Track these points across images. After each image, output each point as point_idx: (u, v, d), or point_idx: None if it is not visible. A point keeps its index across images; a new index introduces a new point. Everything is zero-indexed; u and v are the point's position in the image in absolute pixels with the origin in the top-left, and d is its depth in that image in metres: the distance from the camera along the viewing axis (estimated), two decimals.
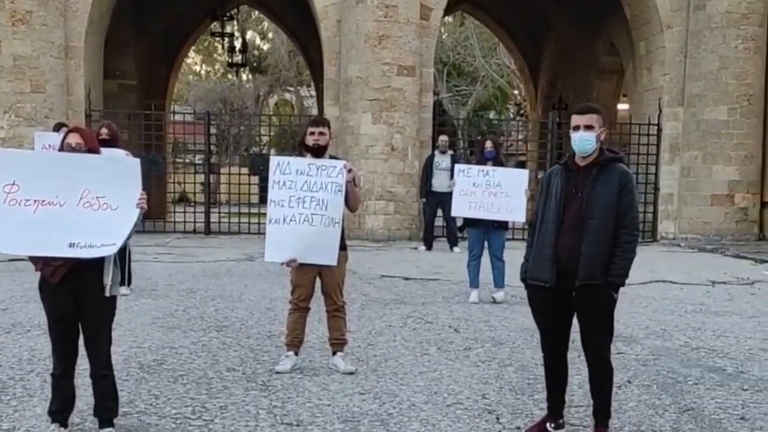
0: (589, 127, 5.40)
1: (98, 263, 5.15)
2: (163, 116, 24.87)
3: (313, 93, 50.06)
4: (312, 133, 7.24)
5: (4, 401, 6.21)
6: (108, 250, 5.07)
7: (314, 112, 39.14)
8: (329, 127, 7.44)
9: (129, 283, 10.86)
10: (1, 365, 7.26)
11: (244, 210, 22.53)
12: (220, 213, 22.96)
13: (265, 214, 7.36)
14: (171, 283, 12.16)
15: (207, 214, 21.08)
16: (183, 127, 26.96)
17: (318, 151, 7.25)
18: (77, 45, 19.05)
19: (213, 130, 25.84)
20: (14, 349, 7.85)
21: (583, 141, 5.40)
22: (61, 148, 5.35)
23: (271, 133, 25.34)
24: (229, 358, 7.73)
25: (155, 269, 13.59)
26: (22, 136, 18.02)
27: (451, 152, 17.79)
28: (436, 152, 17.69)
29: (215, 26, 30.04)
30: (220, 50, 54.50)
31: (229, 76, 54.52)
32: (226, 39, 30.70)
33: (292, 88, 52.29)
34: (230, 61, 32.68)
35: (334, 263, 7.22)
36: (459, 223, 15.34)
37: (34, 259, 5.24)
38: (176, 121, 27.35)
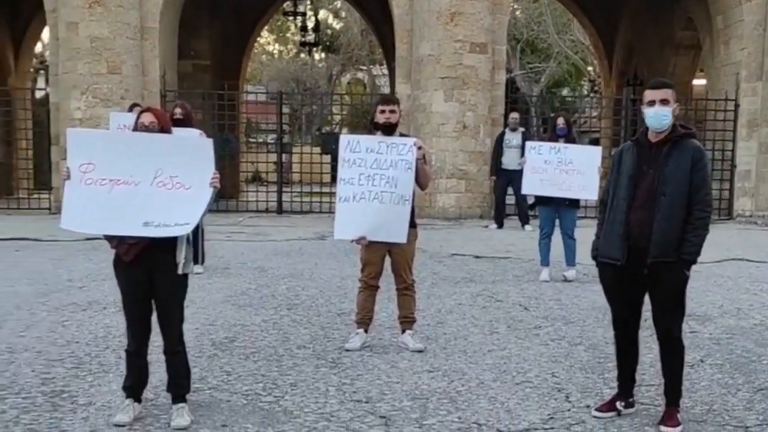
0: (664, 102, 5.33)
1: (171, 242, 5.22)
2: (236, 96, 25.07)
3: (386, 71, 50.05)
4: (383, 111, 7.25)
5: (81, 377, 6.36)
6: (182, 229, 5.13)
7: (386, 90, 39.05)
8: (399, 105, 7.45)
9: (202, 262, 10.99)
10: (78, 342, 7.43)
11: (316, 189, 22.66)
12: (292, 192, 23.13)
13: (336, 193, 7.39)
14: (243, 262, 12.29)
15: (279, 193, 21.22)
16: (256, 106, 27.13)
17: (389, 129, 7.26)
18: (152, 26, 19.27)
19: (285, 110, 25.93)
20: (90, 326, 8.02)
21: (659, 116, 5.33)
22: (135, 128, 5.43)
23: (344, 112, 25.37)
24: (299, 335, 7.80)
25: (228, 248, 13.75)
26: (99, 116, 18.34)
27: (522, 130, 17.67)
28: (507, 130, 17.59)
29: (288, 5, 30.05)
30: (293, 29, 54.92)
31: (302, 55, 54.69)
32: (299, 18, 30.67)
33: (364, 67, 52.33)
34: (303, 40, 32.69)
35: (404, 241, 7.23)
36: (530, 201, 15.24)
37: (109, 238, 5.33)
38: (249, 101, 27.53)
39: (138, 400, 5.48)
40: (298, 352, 7.21)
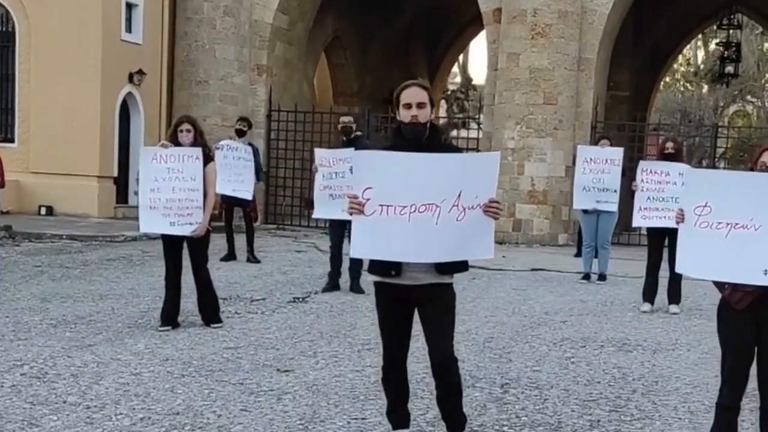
0: None
1: None
2: (644, 128, 24.62)
3: None
4: None
5: (625, 421, 6.16)
6: None
7: None
8: None
9: (677, 302, 10.56)
10: (599, 382, 7.26)
11: None
12: None
13: None
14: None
15: None
16: (655, 138, 26.40)
17: None
18: (590, 57, 19.31)
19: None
20: (600, 365, 7.87)
21: None
22: (753, 166, 5.10)
23: (728, 145, 24.58)
24: None
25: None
26: (531, 147, 18.67)
27: None
28: None
29: (722, 36, 28.93)
30: (680, 60, 53.28)
31: (687, 86, 52.97)
32: (730, 49, 29.23)
33: (754, 99, 50.11)
34: (721, 71, 31.31)
35: None
36: None
37: (719, 284, 5.05)
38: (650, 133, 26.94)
39: None
40: None
